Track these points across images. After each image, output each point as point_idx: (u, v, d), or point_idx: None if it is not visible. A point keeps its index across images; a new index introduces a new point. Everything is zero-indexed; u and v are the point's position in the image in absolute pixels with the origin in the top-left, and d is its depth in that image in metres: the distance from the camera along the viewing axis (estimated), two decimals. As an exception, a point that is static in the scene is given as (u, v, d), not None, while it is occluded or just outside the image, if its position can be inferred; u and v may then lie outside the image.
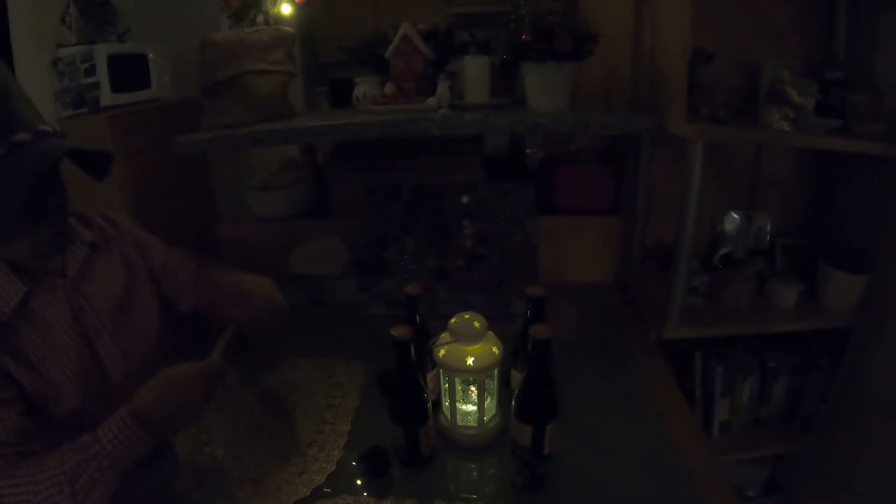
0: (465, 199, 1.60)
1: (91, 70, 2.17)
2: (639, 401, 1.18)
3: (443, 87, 1.46)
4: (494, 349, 1.00)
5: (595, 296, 1.63)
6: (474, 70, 1.53)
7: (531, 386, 0.94)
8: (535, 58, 1.40)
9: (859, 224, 1.59)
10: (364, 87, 1.64)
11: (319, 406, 1.21)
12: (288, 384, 1.31)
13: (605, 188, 1.69)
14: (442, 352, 0.99)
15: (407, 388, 0.95)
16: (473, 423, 1.03)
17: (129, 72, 2.39)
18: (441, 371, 1.03)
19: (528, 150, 1.92)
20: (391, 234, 1.63)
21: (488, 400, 1.03)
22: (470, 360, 0.98)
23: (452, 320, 1.01)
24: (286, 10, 1.69)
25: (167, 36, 2.67)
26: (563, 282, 1.66)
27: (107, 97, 2.19)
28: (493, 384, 1.02)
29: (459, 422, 1.04)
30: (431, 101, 1.47)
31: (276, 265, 1.73)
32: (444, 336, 1.01)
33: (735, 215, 1.66)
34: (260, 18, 1.68)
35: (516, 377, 1.12)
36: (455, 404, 1.02)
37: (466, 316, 1.01)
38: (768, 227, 1.66)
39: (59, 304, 1.03)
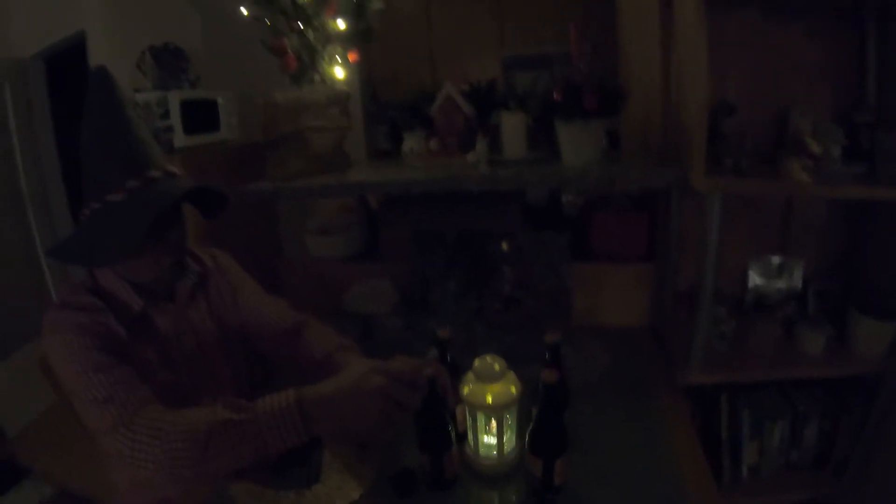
0: (504, 246, 1.80)
1: (166, 114, 2.51)
2: (655, 442, 1.30)
3: (482, 144, 1.67)
4: (513, 389, 1.18)
5: (627, 339, 1.76)
6: (511, 126, 1.74)
7: (542, 424, 1.10)
8: (564, 116, 1.60)
9: (891, 270, 1.68)
10: (411, 142, 1.88)
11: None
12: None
13: (638, 235, 1.84)
14: (466, 389, 1.19)
15: (433, 419, 1.14)
16: (493, 454, 1.21)
17: (199, 116, 2.74)
18: (466, 406, 1.23)
19: (565, 198, 2.11)
20: (435, 277, 1.85)
21: (507, 434, 1.20)
22: (489, 398, 1.16)
23: (476, 362, 1.19)
24: (340, 74, 1.95)
25: (233, 81, 3.04)
26: (598, 325, 1.82)
27: (180, 139, 2.53)
28: (511, 420, 1.20)
29: (481, 452, 1.22)
30: (471, 157, 1.69)
31: (331, 302, 2.00)
32: (469, 376, 1.21)
33: (767, 260, 1.78)
34: (317, 78, 1.96)
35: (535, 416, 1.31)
36: (477, 436, 1.21)
37: (488, 359, 1.20)
38: (801, 271, 1.76)
39: (167, 324, 1.24)
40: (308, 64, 1.90)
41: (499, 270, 1.81)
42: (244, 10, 1.94)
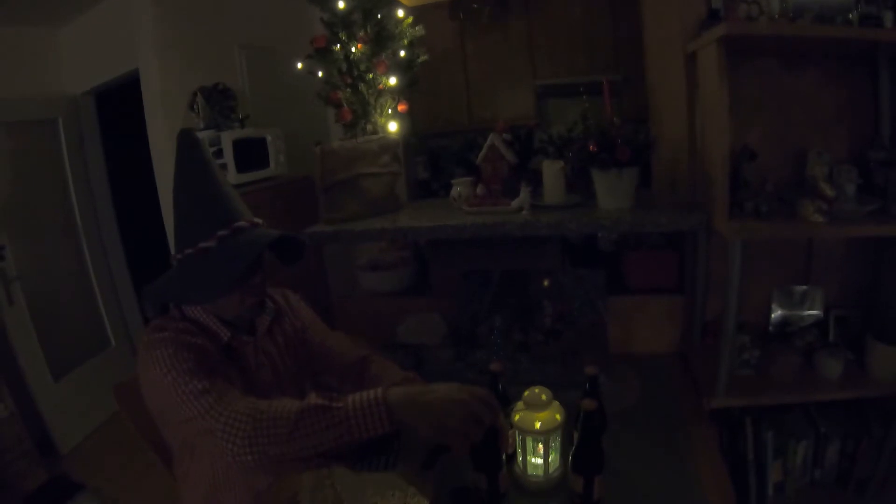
0: (545, 283, 2.07)
1: (219, 153, 2.80)
2: (681, 463, 1.51)
3: (524, 193, 1.96)
4: (557, 416, 1.44)
5: (658, 366, 2.00)
6: (551, 174, 2.02)
7: (583, 445, 1.35)
8: (600, 166, 1.88)
9: None
10: (459, 188, 2.17)
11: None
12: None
13: (669, 269, 2.11)
14: (517, 416, 1.45)
15: (488, 442, 1.35)
16: (540, 473, 1.46)
17: (250, 153, 3.06)
18: (516, 431, 1.49)
19: (601, 235, 2.39)
20: (482, 313, 2.13)
21: (552, 455, 1.45)
22: (538, 424, 1.42)
23: (526, 393, 1.45)
24: (392, 127, 2.25)
25: (276, 119, 3.36)
26: (631, 353, 2.07)
27: (233, 176, 2.83)
28: (556, 443, 1.45)
29: (529, 472, 1.46)
30: (515, 204, 1.98)
31: (384, 334, 2.30)
32: (520, 404, 1.47)
33: (790, 290, 2.01)
34: (369, 128, 2.25)
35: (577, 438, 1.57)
36: (526, 457, 1.46)
37: (536, 390, 1.45)
38: (822, 300, 1.99)
39: (249, 355, 1.48)
40: (361, 114, 2.20)
41: (540, 305, 2.08)
42: (299, 65, 2.24)
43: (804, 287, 2.01)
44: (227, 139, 2.85)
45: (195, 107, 2.89)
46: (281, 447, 1.15)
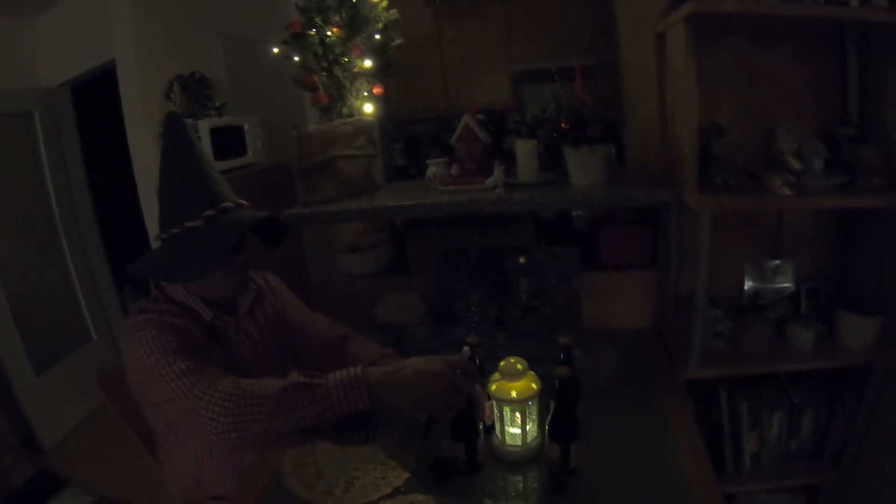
0: (521, 261, 2.04)
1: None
2: (658, 432, 1.49)
3: (498, 171, 1.93)
4: (533, 385, 1.41)
5: (633, 341, 1.99)
6: (524, 152, 2.00)
7: (559, 413, 1.33)
8: (572, 143, 1.86)
9: (875, 270, 1.90)
10: (435, 169, 2.14)
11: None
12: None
13: (642, 245, 2.09)
14: (493, 387, 1.42)
15: (465, 413, 1.35)
16: (518, 443, 1.43)
17: (228, 141, 3.02)
18: (493, 401, 1.46)
19: (575, 213, 2.38)
20: (460, 290, 2.10)
21: (530, 424, 1.42)
22: (514, 393, 1.39)
23: (502, 363, 1.42)
24: (368, 108, 2.22)
25: (254, 107, 3.32)
26: (606, 328, 2.06)
27: (211, 165, 2.79)
28: (533, 412, 1.42)
29: (507, 441, 1.43)
30: (490, 182, 1.95)
31: (363, 315, 2.27)
32: (496, 375, 1.44)
33: (761, 264, 2.01)
34: (345, 111, 2.21)
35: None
36: (504, 427, 1.43)
37: (512, 360, 1.42)
38: (793, 273, 1.98)
39: (230, 334, 1.50)
40: (336, 98, 2.17)
41: (516, 282, 2.06)
42: (275, 50, 2.20)
43: (776, 261, 2.01)
44: (204, 127, 2.81)
45: (172, 96, 2.84)
46: (264, 424, 1.17)
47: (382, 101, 2.35)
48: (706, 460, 1.42)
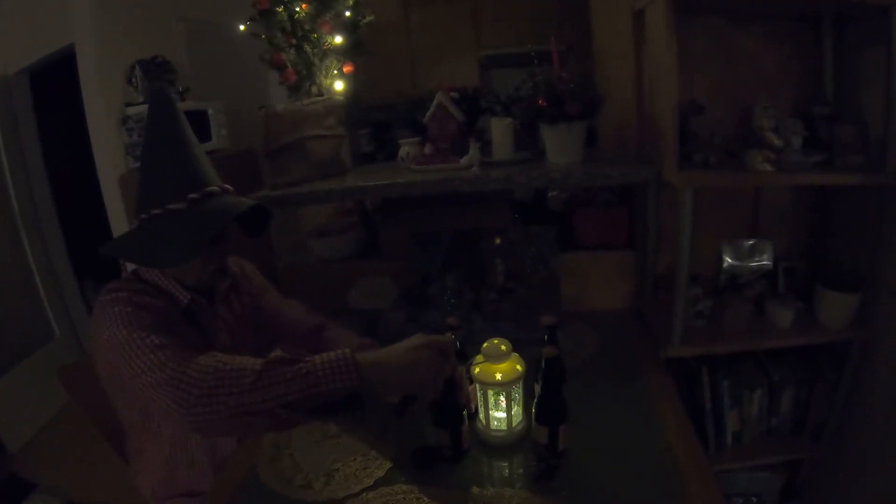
0: (497, 241, 1.96)
1: None
2: (643, 411, 1.45)
3: (473, 149, 1.83)
4: (518, 367, 1.33)
5: (613, 321, 1.92)
6: (499, 130, 1.90)
7: (546, 395, 1.25)
8: (549, 121, 1.77)
9: (853, 246, 1.87)
10: (407, 148, 2.03)
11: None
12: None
13: (620, 226, 2.01)
14: (477, 370, 1.33)
15: (448, 398, 1.27)
16: (503, 427, 1.35)
17: (192, 127, 2.86)
18: (477, 385, 1.37)
19: (551, 194, 2.29)
20: (434, 273, 2.00)
21: (515, 408, 1.34)
22: (498, 376, 1.31)
23: (485, 345, 1.33)
24: (339, 86, 2.09)
25: (217, 92, 3.16)
26: (586, 309, 1.97)
27: (174, 150, 2.64)
28: (518, 395, 1.34)
29: (492, 426, 1.36)
30: (464, 161, 1.85)
31: (335, 300, 2.15)
32: (479, 357, 1.34)
33: (739, 243, 1.94)
34: (314, 90, 2.09)
35: (537, 390, 1.47)
36: (488, 411, 1.35)
37: (495, 341, 1.33)
38: (771, 252, 1.92)
39: (205, 321, 1.42)
40: (305, 76, 2.04)
41: (492, 264, 1.97)
42: (242, 27, 2.07)
43: (753, 240, 1.94)
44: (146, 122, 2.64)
45: (133, 80, 2.67)
46: (243, 397, 1.04)
47: (352, 78, 2.22)
48: (694, 438, 1.36)
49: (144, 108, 2.58)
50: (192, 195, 1.23)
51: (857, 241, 1.87)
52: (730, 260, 1.92)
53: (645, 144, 1.89)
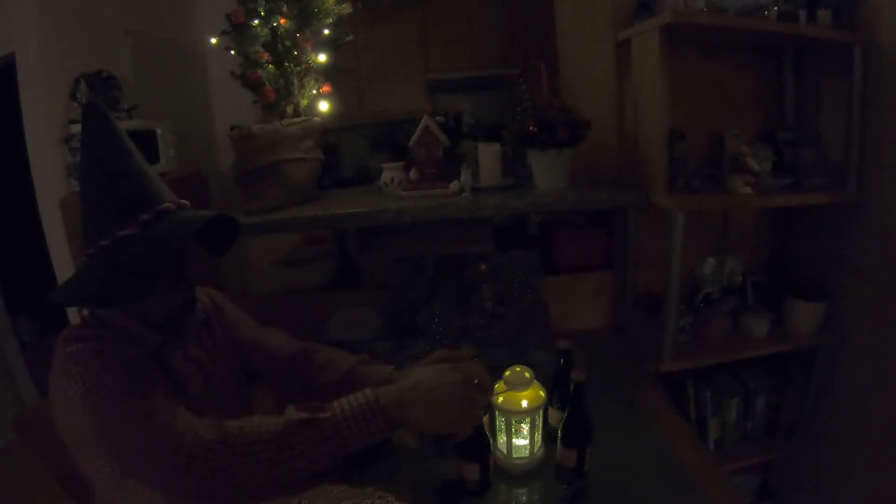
0: (482, 267, 1.95)
1: None
2: (645, 424, 1.50)
3: (465, 175, 1.83)
4: (541, 393, 1.33)
5: (596, 340, 1.95)
6: (487, 156, 1.91)
7: (574, 418, 1.26)
8: (540, 146, 1.80)
9: (816, 260, 2.04)
10: (391, 173, 1.99)
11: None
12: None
13: (597, 247, 2.07)
14: (500, 399, 1.32)
15: (478, 430, 1.24)
16: (525, 454, 1.34)
17: (139, 147, 2.66)
18: (497, 413, 1.35)
19: (533, 218, 2.33)
20: (420, 301, 1.97)
21: (535, 434, 1.36)
22: (524, 403, 1.31)
23: (507, 373, 1.32)
24: (324, 107, 2.03)
25: (167, 111, 2.98)
26: (569, 330, 1.96)
27: (120, 172, 2.47)
28: (539, 421, 1.35)
29: (514, 455, 1.34)
30: (455, 186, 1.84)
31: (312, 332, 2.06)
32: (500, 385, 1.33)
33: (710, 261, 2.05)
34: (289, 109, 2.01)
35: (552, 414, 1.45)
36: (510, 440, 1.34)
37: (517, 369, 1.33)
38: (739, 268, 2.06)
39: (177, 364, 1.19)
40: (283, 95, 1.96)
41: (479, 290, 1.96)
42: (214, 40, 1.97)
43: (723, 258, 2.06)
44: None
45: (78, 95, 2.46)
46: (264, 476, 0.92)
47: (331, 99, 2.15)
48: (700, 443, 1.44)
49: (90, 125, 2.40)
50: (144, 216, 1.05)
51: (818, 254, 2.03)
52: (703, 279, 2.02)
53: (626, 166, 1.96)
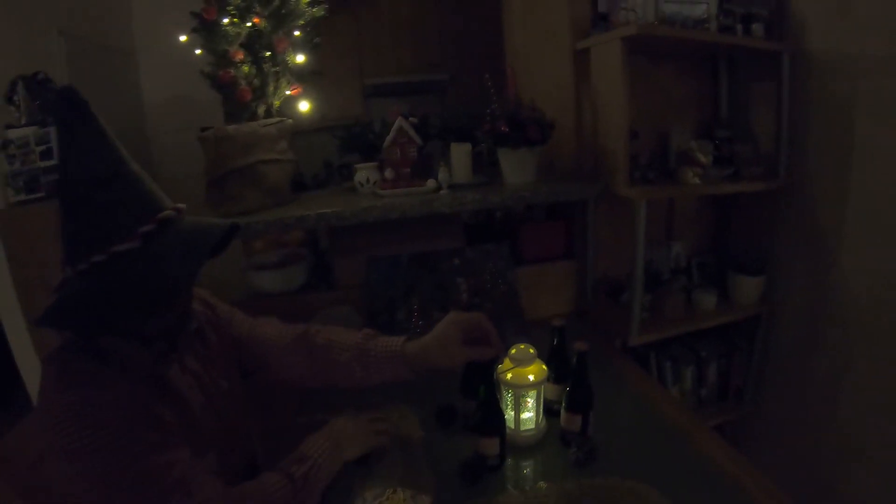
0: (456, 261, 2.05)
1: (48, 153, 2.20)
2: (625, 389, 1.67)
3: (444, 173, 1.93)
4: (543, 367, 1.44)
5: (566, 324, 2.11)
6: (460, 155, 2.02)
7: (576, 385, 1.38)
8: (512, 144, 1.94)
9: (753, 239, 2.32)
10: (366, 173, 2.06)
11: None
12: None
13: (559, 239, 2.24)
14: (509, 375, 1.41)
15: (494, 407, 1.34)
16: (532, 426, 1.44)
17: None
18: (506, 390, 1.43)
19: (498, 214, 2.47)
20: (398, 298, 2.03)
21: (539, 407, 1.45)
22: (531, 377, 1.41)
23: (512, 350, 1.42)
24: (304, 107, 2.06)
25: (105, 116, 2.86)
26: (538, 318, 2.11)
27: (63, 179, 2.32)
28: (542, 394, 1.45)
29: (521, 428, 1.43)
30: (432, 184, 1.94)
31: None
32: (507, 364, 1.43)
33: (657, 245, 2.29)
34: (261, 110, 2.02)
35: (548, 388, 1.53)
36: (518, 414, 1.43)
37: (521, 346, 1.43)
38: (684, 251, 2.32)
39: (173, 379, 1.11)
40: (258, 95, 1.97)
41: (454, 283, 2.06)
42: (183, 38, 1.95)
43: (669, 242, 2.29)
44: (55, 137, 2.33)
45: (15, 99, 2.31)
46: None
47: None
48: (677, 399, 1.59)
49: (29, 130, 2.22)
50: (144, 227, 0.92)
51: (756, 234, 2.31)
52: (653, 262, 2.24)
53: (584, 162, 2.14)
